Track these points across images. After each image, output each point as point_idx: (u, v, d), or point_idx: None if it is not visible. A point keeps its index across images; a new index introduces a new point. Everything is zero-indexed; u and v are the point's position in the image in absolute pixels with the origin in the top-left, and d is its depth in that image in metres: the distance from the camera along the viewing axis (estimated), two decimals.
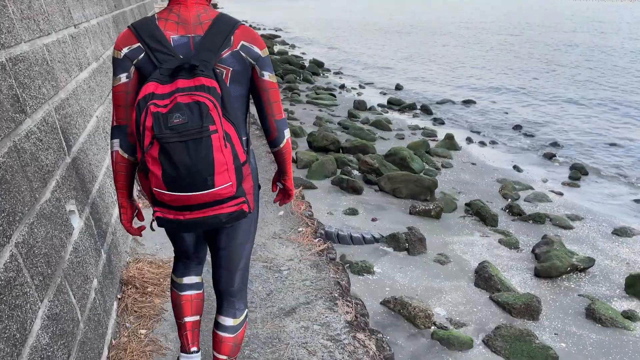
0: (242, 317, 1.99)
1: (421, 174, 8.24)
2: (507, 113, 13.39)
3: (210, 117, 1.41)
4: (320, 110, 12.42)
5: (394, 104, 13.91)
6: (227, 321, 1.96)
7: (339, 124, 11.15)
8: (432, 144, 9.90)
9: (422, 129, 11.30)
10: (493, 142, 10.72)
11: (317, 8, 61.94)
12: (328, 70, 19.65)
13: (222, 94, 1.48)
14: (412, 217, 6.32)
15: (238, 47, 1.61)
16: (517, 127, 11.67)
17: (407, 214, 6.43)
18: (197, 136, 1.39)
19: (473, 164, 8.99)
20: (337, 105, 13.22)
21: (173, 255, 2.34)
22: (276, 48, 24.56)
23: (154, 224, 1.65)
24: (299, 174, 7.61)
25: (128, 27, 1.62)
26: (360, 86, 16.76)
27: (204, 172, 1.41)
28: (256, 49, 1.64)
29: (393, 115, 12.74)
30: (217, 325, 1.98)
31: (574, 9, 55.73)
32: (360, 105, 12.99)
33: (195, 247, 2.01)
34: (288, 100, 13.07)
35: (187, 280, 2.09)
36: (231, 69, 1.61)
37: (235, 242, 1.85)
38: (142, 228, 1.89)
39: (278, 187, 1.99)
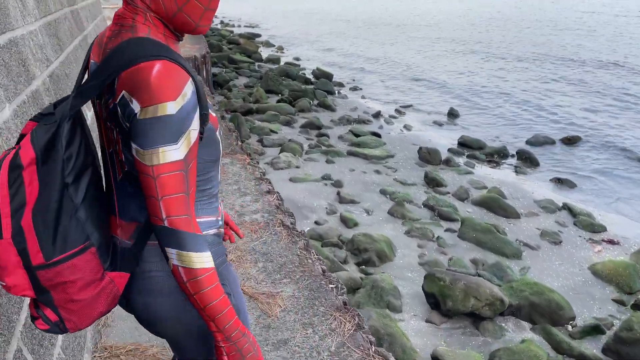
0: None
1: None
2: None
3: None
4: (378, 172, 7.65)
5: (473, 148, 9.25)
6: None
7: (429, 208, 6.41)
8: (613, 254, 5.33)
9: (565, 209, 6.69)
10: None
11: None
12: (341, 84, 14.81)
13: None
14: None
15: (118, 100, 1.00)
16: None
17: None
18: None
19: None
20: (393, 157, 8.48)
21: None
22: (264, 54, 19.52)
23: None
24: None
25: None
26: (399, 112, 12.01)
27: None
28: (134, 105, 0.96)
29: (486, 173, 8.08)
30: None
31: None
32: (431, 157, 8.26)
33: None
34: (321, 153, 8.21)
35: None
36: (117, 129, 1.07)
37: None
38: None
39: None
